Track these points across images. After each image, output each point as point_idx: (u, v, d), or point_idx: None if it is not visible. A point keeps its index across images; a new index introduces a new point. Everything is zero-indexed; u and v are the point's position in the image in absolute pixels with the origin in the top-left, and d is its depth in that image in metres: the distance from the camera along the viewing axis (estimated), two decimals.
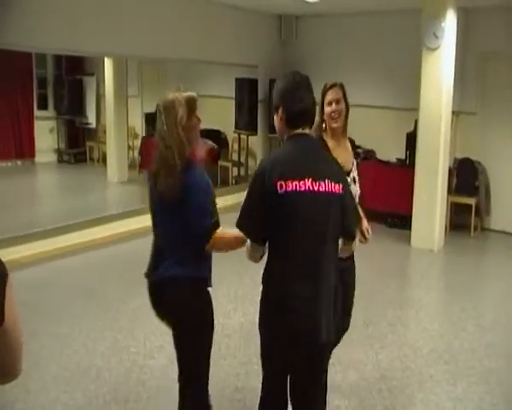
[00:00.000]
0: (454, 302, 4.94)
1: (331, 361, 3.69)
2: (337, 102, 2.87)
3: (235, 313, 4.50)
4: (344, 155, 2.82)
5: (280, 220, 2.10)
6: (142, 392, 3.37)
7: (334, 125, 2.87)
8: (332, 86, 2.91)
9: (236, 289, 5.00)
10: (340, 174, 2.21)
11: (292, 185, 2.05)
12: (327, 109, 2.87)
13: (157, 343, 3.94)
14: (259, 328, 2.23)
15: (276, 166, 2.09)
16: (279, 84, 2.23)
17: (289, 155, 2.15)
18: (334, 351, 3.84)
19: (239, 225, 2.17)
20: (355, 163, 3.03)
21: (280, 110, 2.18)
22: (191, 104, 2.36)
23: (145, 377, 3.52)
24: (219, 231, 2.33)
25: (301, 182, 2.06)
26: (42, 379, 3.48)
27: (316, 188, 2.08)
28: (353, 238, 2.37)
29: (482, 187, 6.97)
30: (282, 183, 2.05)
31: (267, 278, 2.19)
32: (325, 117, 2.89)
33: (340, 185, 2.14)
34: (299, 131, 2.18)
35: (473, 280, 5.55)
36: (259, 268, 2.23)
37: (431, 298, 5.20)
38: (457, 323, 4.47)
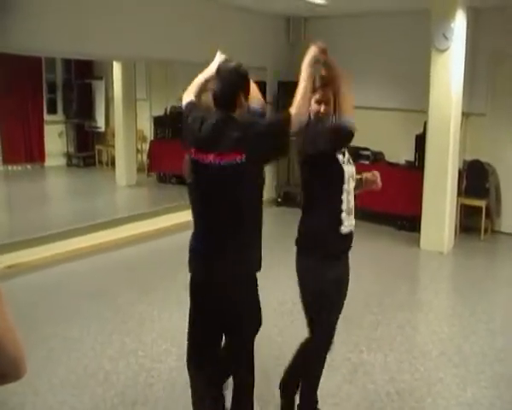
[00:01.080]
0: (464, 305, 4.89)
1: (340, 364, 3.69)
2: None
3: None
4: None
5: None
6: (150, 395, 3.37)
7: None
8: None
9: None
10: (240, 140, 2.38)
11: (197, 155, 2.47)
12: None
13: (164, 347, 3.94)
14: None
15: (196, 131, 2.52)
16: None
17: (204, 129, 2.49)
18: (343, 353, 3.84)
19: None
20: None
21: None
22: None
23: (152, 381, 3.52)
24: None
25: (204, 155, 2.44)
26: (50, 382, 3.49)
27: (215, 160, 2.40)
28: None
29: (492, 189, 6.91)
30: (192, 151, 2.49)
31: None
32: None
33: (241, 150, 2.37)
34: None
35: (483, 283, 5.50)
36: None
37: (440, 301, 5.16)
38: (467, 326, 4.43)
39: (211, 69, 2.75)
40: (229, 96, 2.47)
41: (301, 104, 2.45)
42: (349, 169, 2.70)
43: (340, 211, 2.66)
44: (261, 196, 2.54)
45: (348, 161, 2.73)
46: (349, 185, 2.69)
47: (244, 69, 2.54)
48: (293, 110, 2.43)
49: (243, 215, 2.46)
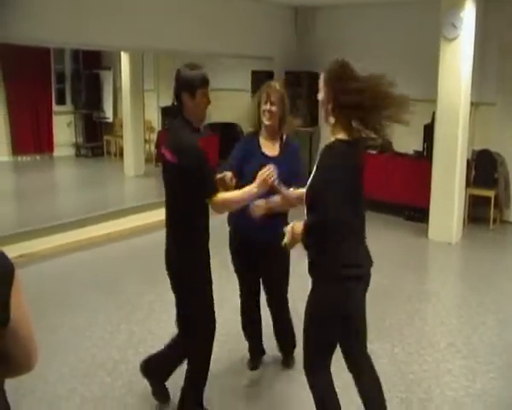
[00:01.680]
0: (472, 296, 4.88)
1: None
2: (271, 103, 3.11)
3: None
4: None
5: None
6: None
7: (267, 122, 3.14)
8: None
9: None
10: (180, 146, 2.68)
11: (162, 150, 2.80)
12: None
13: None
14: None
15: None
16: None
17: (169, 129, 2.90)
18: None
19: None
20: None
21: None
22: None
23: None
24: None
25: (164, 150, 2.76)
26: (59, 371, 3.52)
27: (167, 157, 2.73)
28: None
29: (501, 179, 6.86)
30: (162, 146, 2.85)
31: None
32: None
33: (175, 156, 2.67)
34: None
35: (491, 274, 5.47)
36: None
37: (449, 291, 5.14)
38: (476, 317, 4.42)
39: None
40: (176, 100, 2.78)
41: (236, 205, 2.80)
42: None
43: None
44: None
45: None
46: None
47: (189, 75, 2.76)
48: (225, 202, 2.72)
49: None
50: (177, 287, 2.89)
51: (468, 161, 6.64)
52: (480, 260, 5.89)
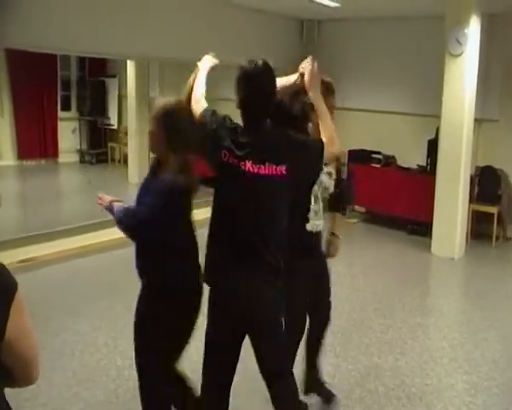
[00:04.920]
0: (475, 312, 4.89)
1: (352, 367, 3.71)
2: None
3: None
4: None
5: (219, 183, 2.32)
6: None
7: None
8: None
9: None
10: (284, 155, 2.23)
11: (233, 161, 2.23)
12: None
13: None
14: None
15: (231, 135, 2.26)
16: (237, 73, 2.32)
17: (242, 134, 2.26)
18: (355, 356, 3.86)
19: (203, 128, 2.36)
20: None
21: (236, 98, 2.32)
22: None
23: None
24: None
25: (241, 162, 2.21)
26: (63, 375, 3.53)
27: (254, 170, 2.21)
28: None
29: (505, 196, 6.88)
30: (227, 153, 2.24)
31: None
32: None
33: (283, 167, 2.21)
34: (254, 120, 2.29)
35: (494, 290, 5.48)
36: None
37: (451, 307, 5.15)
38: (478, 333, 4.42)
39: (205, 69, 2.70)
40: (267, 104, 2.35)
41: (339, 144, 2.37)
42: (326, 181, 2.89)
43: None
44: None
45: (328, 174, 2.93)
46: None
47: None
48: (333, 148, 2.33)
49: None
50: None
51: (471, 177, 6.66)
52: (483, 276, 5.90)
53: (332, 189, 3.03)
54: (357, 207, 7.83)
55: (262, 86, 2.26)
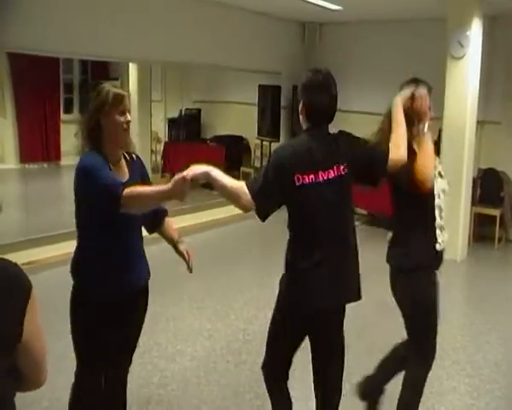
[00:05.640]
0: (477, 315, 4.88)
1: (353, 370, 3.70)
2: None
3: (257, 319, 4.51)
4: None
5: (300, 211, 2.35)
6: (164, 395, 3.40)
7: None
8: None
9: (258, 294, 5.01)
10: (341, 154, 2.35)
11: (308, 178, 2.28)
12: None
13: (178, 347, 3.98)
14: None
15: (294, 159, 2.29)
16: (303, 79, 2.38)
17: (307, 149, 2.32)
18: (355, 359, 3.85)
19: (256, 198, 2.27)
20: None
21: (301, 104, 2.36)
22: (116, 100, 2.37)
23: (166, 381, 3.55)
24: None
25: (316, 174, 2.28)
26: (66, 379, 3.51)
27: (327, 176, 2.30)
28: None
29: (507, 198, 6.88)
30: (300, 176, 2.27)
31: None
32: None
33: (341, 166, 2.33)
34: (320, 127, 2.37)
35: (497, 292, 5.47)
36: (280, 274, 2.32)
37: (453, 309, 5.14)
38: (480, 336, 4.42)
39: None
40: (334, 109, 2.41)
41: (404, 153, 2.45)
42: (440, 184, 2.76)
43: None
44: None
45: (439, 175, 2.78)
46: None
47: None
48: (395, 156, 2.43)
49: None
50: None
51: (473, 179, 6.66)
52: (485, 278, 5.89)
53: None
54: (358, 210, 7.82)
55: (330, 93, 2.35)
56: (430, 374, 3.72)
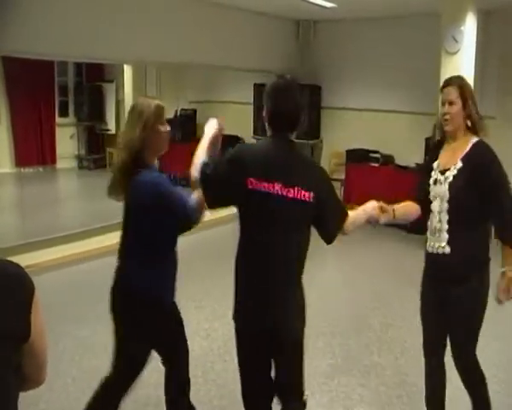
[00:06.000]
0: None
1: (352, 366, 3.71)
2: (449, 103, 2.62)
3: None
4: (445, 159, 2.69)
5: (246, 213, 2.27)
6: (162, 396, 3.37)
7: (446, 128, 2.67)
8: (444, 87, 2.69)
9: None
10: (313, 181, 2.24)
11: (261, 185, 2.18)
12: (440, 110, 2.70)
13: None
14: None
15: (251, 163, 2.23)
16: (267, 86, 2.36)
17: (265, 156, 2.27)
18: (355, 355, 3.86)
19: (204, 182, 2.28)
20: (459, 165, 2.60)
21: (264, 110, 2.32)
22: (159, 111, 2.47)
23: (164, 381, 3.54)
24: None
25: (270, 185, 2.18)
26: (63, 381, 3.53)
27: (284, 193, 2.18)
28: (330, 242, 2.40)
29: None
30: (253, 180, 2.19)
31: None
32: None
33: (311, 193, 2.20)
34: (281, 134, 2.29)
35: (492, 286, 5.47)
36: None
37: None
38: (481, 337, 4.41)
39: (207, 136, 2.48)
40: (297, 116, 2.30)
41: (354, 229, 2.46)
42: (439, 189, 2.66)
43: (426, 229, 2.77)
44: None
45: (445, 180, 2.63)
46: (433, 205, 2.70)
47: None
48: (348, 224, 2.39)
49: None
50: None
51: None
52: None
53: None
54: (355, 207, 7.82)
55: (293, 99, 2.29)
56: (423, 369, 3.74)
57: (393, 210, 2.68)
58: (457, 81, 2.68)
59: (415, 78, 7.53)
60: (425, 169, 2.84)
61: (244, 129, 8.83)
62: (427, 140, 7.03)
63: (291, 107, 2.27)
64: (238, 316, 2.38)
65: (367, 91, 8.14)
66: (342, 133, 8.34)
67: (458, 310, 2.70)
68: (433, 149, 2.87)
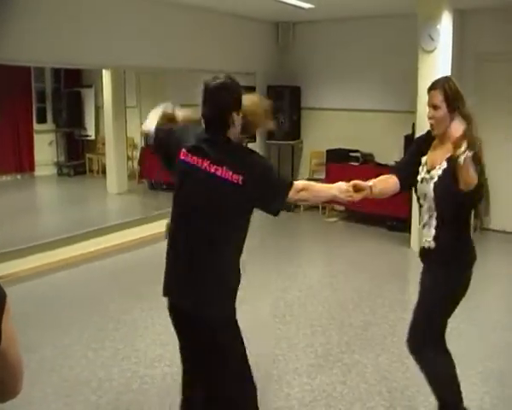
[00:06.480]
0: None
1: (332, 364, 3.72)
2: (434, 107, 2.60)
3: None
4: (432, 158, 2.69)
5: (176, 185, 2.38)
6: (143, 401, 3.37)
7: (432, 132, 2.67)
8: (428, 90, 2.66)
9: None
10: (243, 165, 2.24)
11: (190, 159, 2.30)
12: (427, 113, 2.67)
13: (157, 352, 3.95)
14: None
15: (188, 138, 2.38)
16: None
17: (199, 139, 2.35)
18: (336, 354, 3.87)
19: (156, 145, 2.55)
20: (444, 166, 2.59)
21: None
22: None
23: (146, 387, 3.53)
24: None
25: (200, 159, 2.28)
26: (43, 391, 3.48)
27: (212, 170, 2.25)
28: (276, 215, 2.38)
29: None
30: (185, 152, 2.33)
31: None
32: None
33: (240, 176, 2.21)
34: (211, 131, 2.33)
35: (473, 281, 5.50)
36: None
37: None
38: (458, 325, 4.44)
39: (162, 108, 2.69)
40: (219, 117, 2.29)
41: (315, 199, 2.53)
42: (425, 187, 2.67)
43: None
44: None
45: (430, 179, 2.63)
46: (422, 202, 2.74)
47: (234, 83, 2.32)
48: (303, 192, 2.36)
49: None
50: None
51: None
52: None
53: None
54: (336, 206, 7.86)
55: (216, 101, 2.28)
56: (410, 364, 3.77)
57: (371, 187, 2.66)
58: (442, 84, 2.63)
59: (393, 76, 7.60)
60: (415, 151, 2.86)
61: None
62: (406, 138, 7.10)
63: (211, 109, 2.30)
64: (164, 291, 2.44)
65: (346, 91, 8.18)
66: (322, 133, 8.38)
67: (424, 290, 2.90)
68: (425, 139, 2.79)
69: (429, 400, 3.35)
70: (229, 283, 2.34)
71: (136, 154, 10.02)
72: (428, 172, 2.66)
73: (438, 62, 6.19)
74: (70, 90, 10.66)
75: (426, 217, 2.71)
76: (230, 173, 2.21)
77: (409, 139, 6.93)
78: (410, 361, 3.79)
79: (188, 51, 7.18)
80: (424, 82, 6.23)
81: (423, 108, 6.34)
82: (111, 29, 6.19)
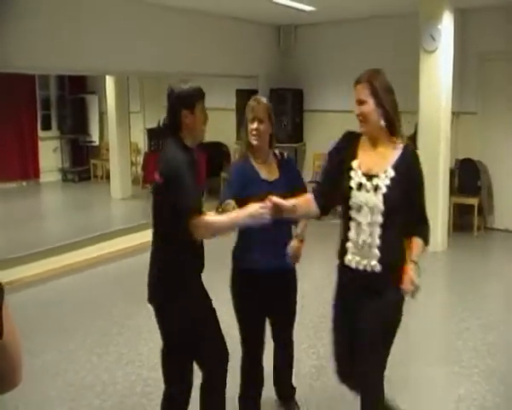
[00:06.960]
0: (457, 303, 4.93)
1: (328, 364, 3.71)
2: (360, 102, 2.46)
3: None
4: (368, 161, 2.43)
5: None
6: (147, 404, 3.39)
7: (361, 129, 2.46)
8: (354, 85, 2.55)
9: None
10: (165, 167, 2.49)
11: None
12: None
13: None
14: None
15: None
16: None
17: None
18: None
19: None
20: (391, 174, 2.36)
21: None
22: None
23: (149, 390, 3.54)
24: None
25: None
26: (47, 395, 3.52)
27: (157, 177, 2.53)
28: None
29: (484, 187, 6.96)
30: None
31: None
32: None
33: (162, 177, 2.48)
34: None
35: (476, 280, 5.53)
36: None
37: (434, 299, 5.18)
38: (460, 323, 4.46)
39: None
40: (170, 119, 2.57)
41: (220, 230, 2.51)
42: (370, 198, 2.33)
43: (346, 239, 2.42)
44: None
45: (374, 188, 2.34)
46: (360, 215, 2.35)
47: (185, 90, 2.55)
48: (202, 228, 2.41)
49: None
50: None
51: (451, 170, 6.73)
52: (465, 267, 5.96)
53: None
54: (338, 208, 7.85)
55: (170, 106, 2.56)
56: (411, 362, 3.77)
57: (294, 206, 2.44)
58: (367, 77, 2.47)
59: (395, 77, 7.51)
60: (335, 166, 2.59)
61: (227, 135, 8.86)
62: (409, 138, 7.07)
63: (168, 114, 2.57)
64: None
65: (348, 93, 8.13)
66: (325, 135, 8.37)
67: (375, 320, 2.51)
68: (348, 139, 2.59)
69: (431, 398, 3.36)
70: None
71: (140, 159, 10.07)
72: (368, 178, 2.34)
73: (439, 62, 6.19)
74: (74, 96, 10.74)
75: (365, 236, 2.34)
76: (158, 175, 2.52)
77: (412, 139, 6.93)
78: (412, 359, 3.83)
79: (190, 55, 7.21)
80: (426, 82, 6.27)
81: (425, 108, 6.43)
82: (113, 35, 6.22)
